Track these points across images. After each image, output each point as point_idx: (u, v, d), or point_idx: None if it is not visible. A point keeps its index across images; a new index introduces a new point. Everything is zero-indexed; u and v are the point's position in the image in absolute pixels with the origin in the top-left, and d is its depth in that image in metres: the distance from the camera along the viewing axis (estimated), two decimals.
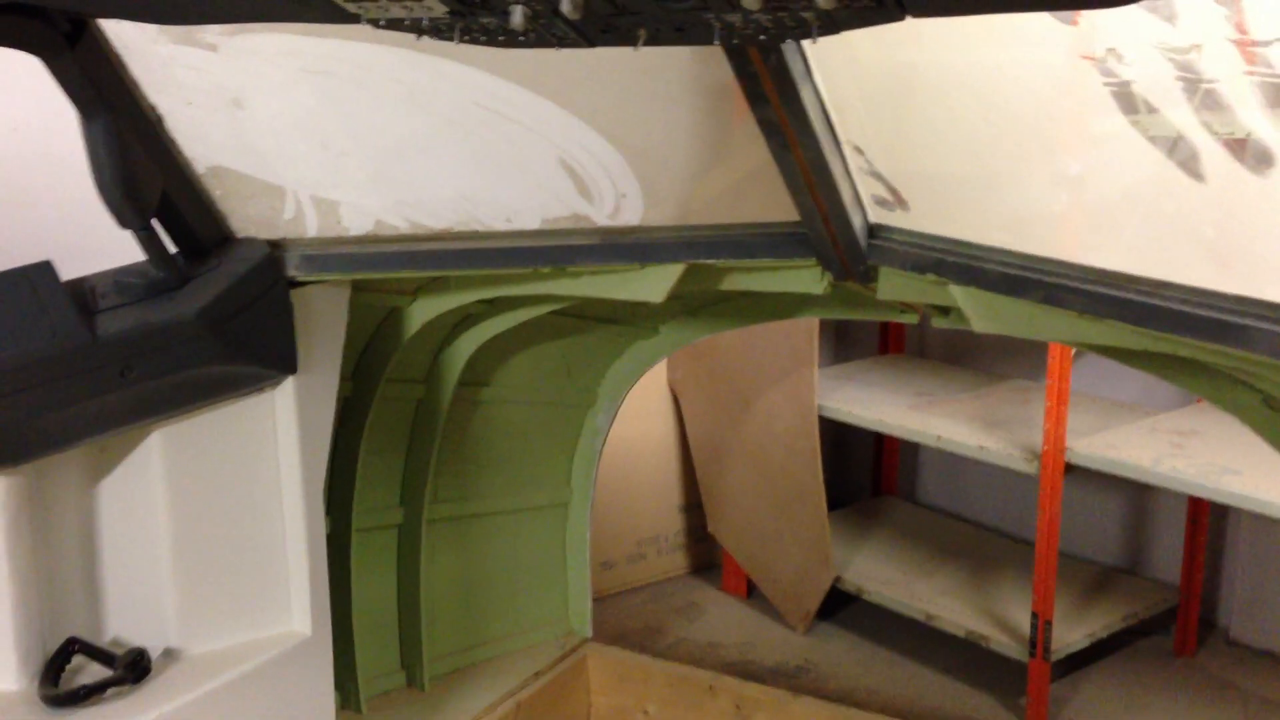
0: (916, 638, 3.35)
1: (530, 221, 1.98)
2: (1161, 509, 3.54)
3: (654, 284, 2.03)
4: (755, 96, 1.71)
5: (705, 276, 2.07)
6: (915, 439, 3.20)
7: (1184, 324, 1.51)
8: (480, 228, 2.01)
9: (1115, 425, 3.02)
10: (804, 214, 1.90)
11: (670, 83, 1.86)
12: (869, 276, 1.98)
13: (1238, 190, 1.32)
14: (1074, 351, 2.76)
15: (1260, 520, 3.31)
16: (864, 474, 4.22)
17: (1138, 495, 3.59)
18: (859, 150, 1.79)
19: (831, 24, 1.24)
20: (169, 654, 2.03)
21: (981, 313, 1.79)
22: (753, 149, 1.85)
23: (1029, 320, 1.75)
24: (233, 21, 1.55)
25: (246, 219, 1.93)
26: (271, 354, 2.00)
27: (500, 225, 1.99)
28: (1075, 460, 2.82)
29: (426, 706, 2.60)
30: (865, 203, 1.90)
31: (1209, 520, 3.32)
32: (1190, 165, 1.35)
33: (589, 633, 2.91)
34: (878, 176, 1.82)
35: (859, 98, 1.73)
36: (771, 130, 1.75)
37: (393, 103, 1.78)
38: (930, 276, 1.84)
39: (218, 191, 1.88)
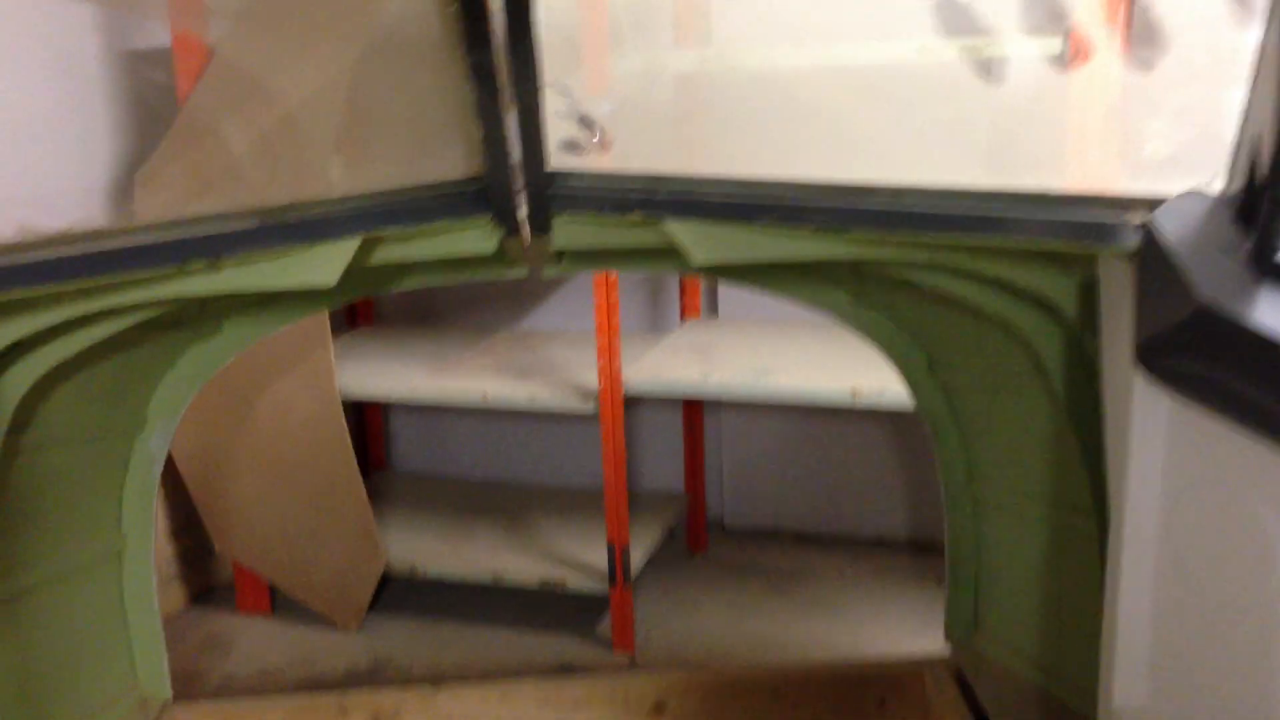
0: (483, 602, 3.31)
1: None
2: (648, 424, 3.81)
3: (324, 265, 1.76)
4: (476, 37, 1.54)
5: (371, 250, 1.84)
6: (459, 402, 3.11)
7: (925, 223, 1.64)
8: (104, 224, 1.59)
9: (641, 353, 3.18)
10: (493, 166, 1.76)
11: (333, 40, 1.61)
12: (546, 227, 1.89)
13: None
14: (615, 287, 2.85)
15: (738, 414, 3.71)
16: None
17: (629, 417, 3.83)
18: (561, 93, 1.69)
19: None
20: None
21: (702, 244, 1.79)
22: (430, 103, 1.68)
23: (751, 244, 1.78)
24: None
25: None
26: None
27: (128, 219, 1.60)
28: (632, 391, 2.93)
29: None
30: (551, 149, 1.80)
31: (701, 424, 3.65)
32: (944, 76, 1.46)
33: (169, 694, 2.48)
34: (579, 119, 1.73)
35: (569, 36, 1.63)
36: (483, 76, 1.59)
37: (32, 67, 1.34)
38: (635, 215, 1.80)
39: None
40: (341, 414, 3.13)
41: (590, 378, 3.07)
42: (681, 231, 1.79)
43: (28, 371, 1.91)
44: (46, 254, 1.59)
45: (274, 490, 3.22)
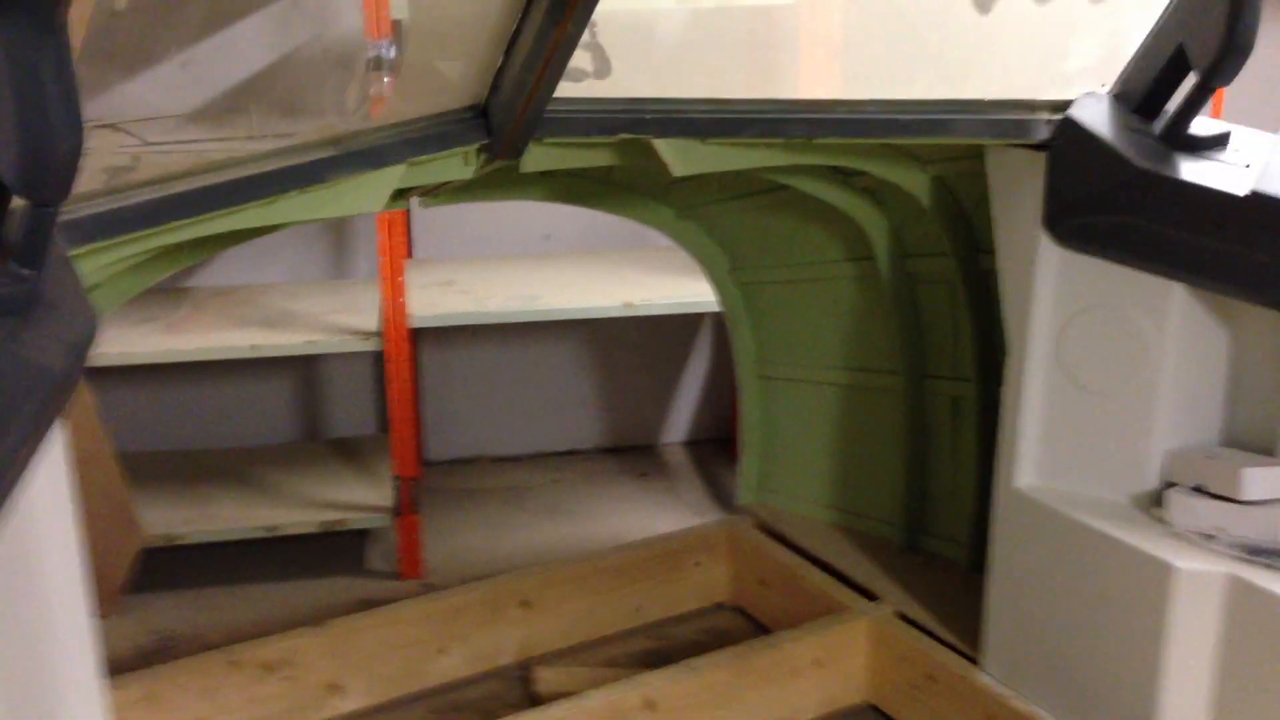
0: (228, 563, 3.24)
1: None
2: (334, 371, 3.85)
3: (375, 192, 1.81)
4: None
5: None
6: (227, 356, 3.02)
7: (881, 129, 2.06)
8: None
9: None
10: (507, 94, 1.91)
11: None
12: (520, 152, 2.07)
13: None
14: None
15: (434, 349, 3.88)
16: None
17: (309, 366, 3.83)
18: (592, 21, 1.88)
19: None
20: None
21: (682, 158, 2.06)
22: (475, 31, 1.81)
23: (724, 157, 2.09)
24: None
25: None
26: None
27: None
28: (417, 324, 3.05)
29: None
30: None
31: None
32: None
33: None
34: (591, 47, 1.93)
35: None
36: (555, 6, 1.76)
37: None
38: (622, 135, 2.04)
39: None
40: (85, 384, 2.90)
41: (337, 319, 3.14)
42: (665, 148, 2.06)
43: None
44: (147, 195, 1.52)
45: None
